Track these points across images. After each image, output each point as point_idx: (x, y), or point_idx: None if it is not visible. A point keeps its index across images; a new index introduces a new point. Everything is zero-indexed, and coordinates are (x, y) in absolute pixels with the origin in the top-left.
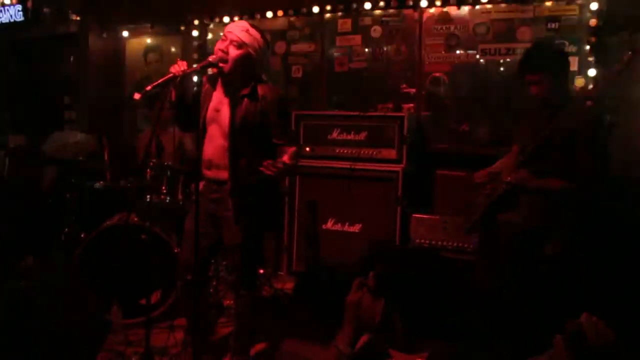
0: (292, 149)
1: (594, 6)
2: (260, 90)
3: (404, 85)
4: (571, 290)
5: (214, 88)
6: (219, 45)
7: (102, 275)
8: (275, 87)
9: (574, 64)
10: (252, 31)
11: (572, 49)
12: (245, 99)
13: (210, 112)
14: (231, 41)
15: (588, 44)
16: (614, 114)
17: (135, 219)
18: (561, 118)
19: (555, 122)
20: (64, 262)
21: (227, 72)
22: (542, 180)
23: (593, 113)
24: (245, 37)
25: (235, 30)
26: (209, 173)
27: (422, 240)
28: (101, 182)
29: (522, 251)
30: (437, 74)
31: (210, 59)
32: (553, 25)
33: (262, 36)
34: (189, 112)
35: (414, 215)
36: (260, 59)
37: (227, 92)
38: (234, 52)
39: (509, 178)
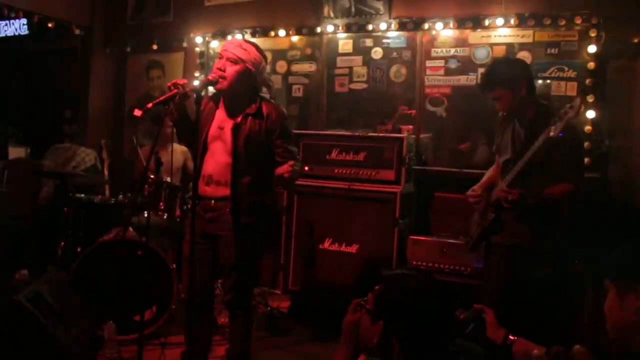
0: (291, 162)
1: (592, 32)
2: (265, 109)
3: (404, 107)
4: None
5: (217, 106)
6: (217, 64)
7: (97, 290)
8: (279, 106)
9: (572, 89)
10: (246, 45)
11: (571, 74)
12: (250, 117)
13: (213, 130)
14: (227, 59)
15: (587, 70)
16: (613, 138)
17: (132, 235)
18: (542, 131)
19: (533, 135)
20: (59, 276)
21: (226, 89)
22: (538, 194)
23: (573, 128)
24: (240, 53)
25: (230, 48)
26: (207, 189)
27: (419, 262)
28: (99, 196)
29: (516, 274)
30: (437, 95)
31: (210, 77)
32: (553, 51)
33: (258, 49)
34: (192, 129)
35: (411, 236)
36: (260, 73)
37: (231, 110)
38: (231, 69)
39: (510, 197)
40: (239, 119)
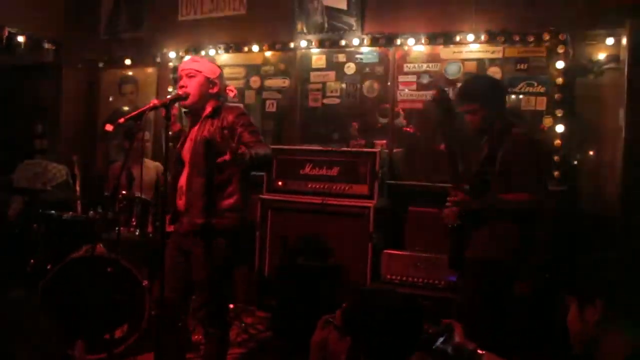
0: (262, 146)
1: (560, 49)
2: (222, 110)
3: (355, 124)
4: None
5: (190, 125)
6: (179, 84)
7: (67, 308)
8: (237, 106)
9: (542, 104)
10: (198, 58)
11: (540, 89)
12: (208, 120)
13: (186, 146)
14: (186, 75)
15: (556, 85)
16: (582, 152)
17: (102, 251)
18: (503, 146)
19: (495, 149)
20: (28, 294)
21: (193, 102)
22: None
23: (532, 143)
24: (195, 66)
25: (185, 66)
26: (179, 202)
27: (393, 277)
28: (70, 212)
29: (489, 288)
30: (397, 109)
31: (180, 92)
32: (522, 66)
33: (210, 60)
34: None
35: (385, 251)
36: (220, 79)
37: (194, 120)
38: (192, 83)
39: (455, 198)
40: (198, 125)
